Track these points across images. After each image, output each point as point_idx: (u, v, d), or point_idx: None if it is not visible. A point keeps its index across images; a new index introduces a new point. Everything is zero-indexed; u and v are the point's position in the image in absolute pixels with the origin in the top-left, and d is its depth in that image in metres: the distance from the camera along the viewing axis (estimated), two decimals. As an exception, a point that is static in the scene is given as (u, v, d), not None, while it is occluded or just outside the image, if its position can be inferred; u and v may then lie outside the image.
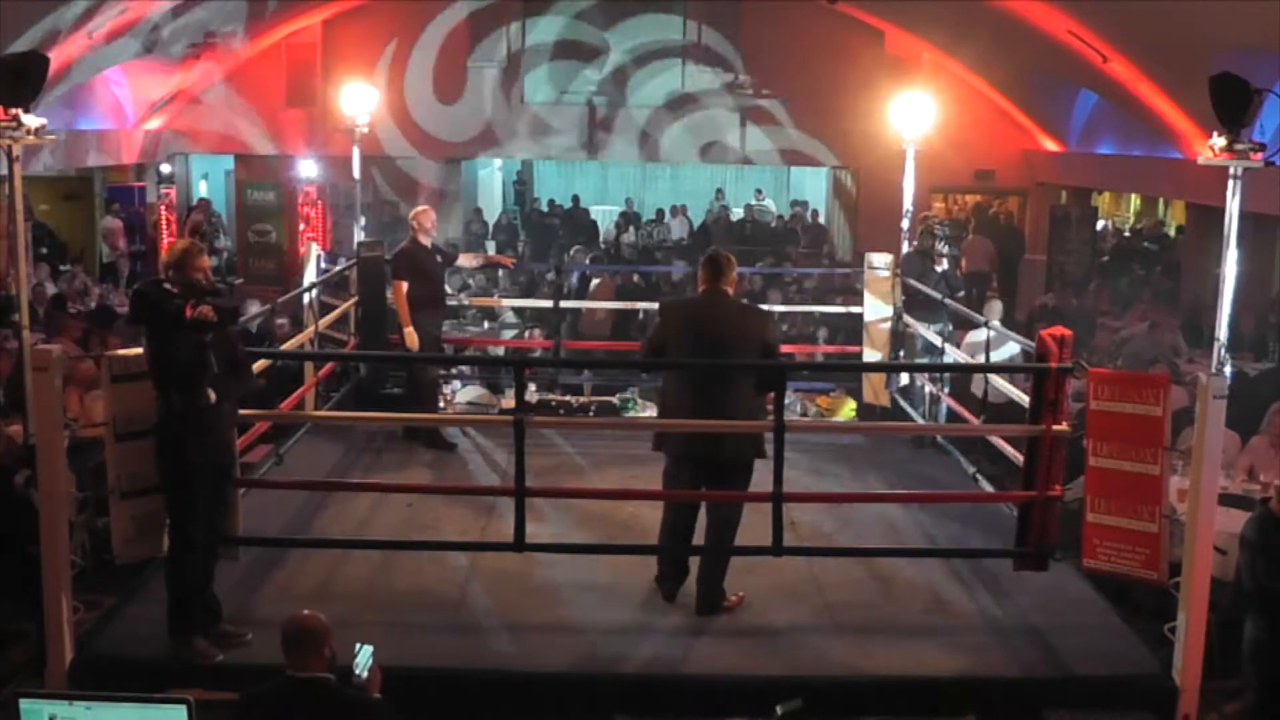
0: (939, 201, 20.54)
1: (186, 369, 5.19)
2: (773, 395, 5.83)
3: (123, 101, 17.88)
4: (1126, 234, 21.88)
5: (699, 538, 6.11)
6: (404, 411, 8.89)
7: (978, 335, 9.58)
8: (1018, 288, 18.22)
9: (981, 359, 8.89)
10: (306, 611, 4.41)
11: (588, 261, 16.70)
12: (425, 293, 8.67)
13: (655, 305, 12.36)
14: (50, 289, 13.99)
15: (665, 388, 6.30)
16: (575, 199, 23.27)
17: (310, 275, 9.35)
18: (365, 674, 4.32)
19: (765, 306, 13.11)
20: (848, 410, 10.01)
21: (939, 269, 9.29)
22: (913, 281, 9.23)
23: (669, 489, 6.15)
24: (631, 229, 22.36)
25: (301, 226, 17.74)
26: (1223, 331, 6.18)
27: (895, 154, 10.21)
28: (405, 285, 8.55)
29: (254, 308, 10.14)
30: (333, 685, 4.24)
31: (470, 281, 14.56)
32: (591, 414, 9.97)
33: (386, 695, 4.34)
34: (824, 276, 15.62)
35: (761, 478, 5.99)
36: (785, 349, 11.64)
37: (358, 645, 4.36)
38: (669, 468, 6.14)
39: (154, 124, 19.16)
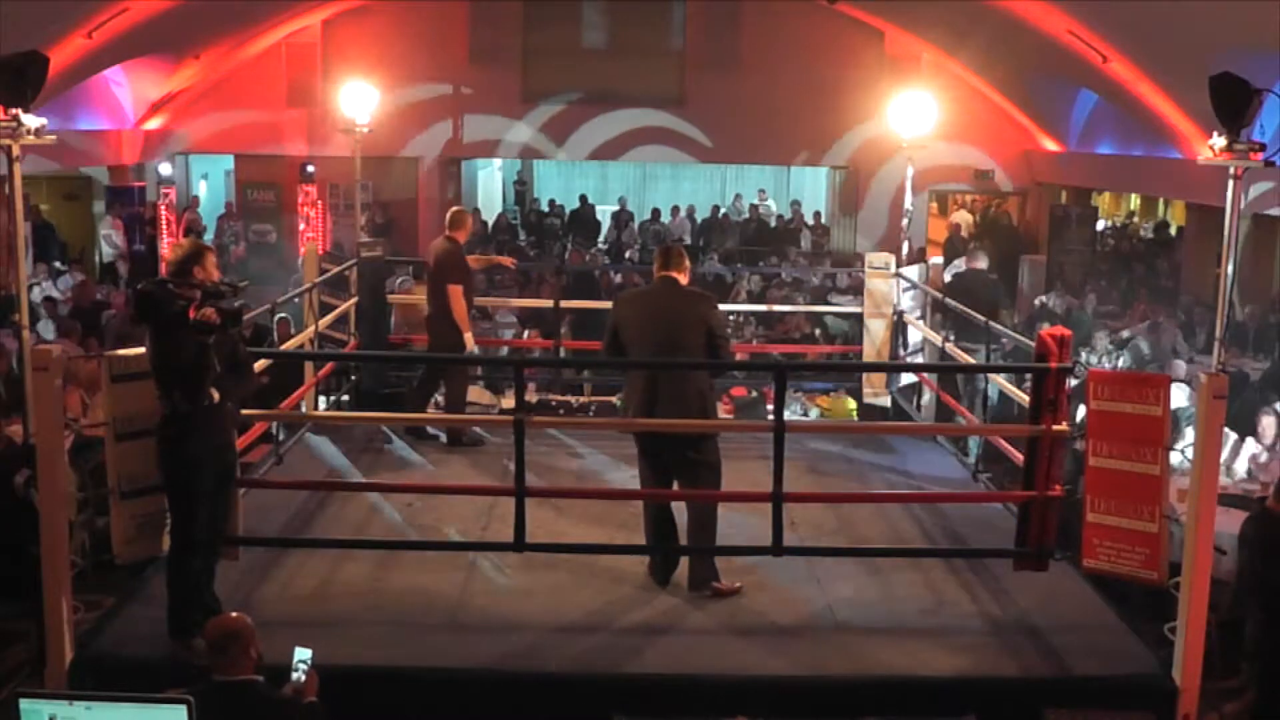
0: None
1: (189, 369, 5.18)
2: (772, 393, 5.92)
3: (123, 101, 17.88)
4: (1119, 225, 21.87)
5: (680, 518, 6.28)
6: (403, 411, 8.89)
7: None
8: (1018, 288, 18.21)
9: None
10: (233, 614, 4.43)
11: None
12: (466, 294, 8.51)
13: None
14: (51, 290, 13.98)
15: (627, 376, 6.45)
16: (583, 198, 23.20)
17: (310, 275, 9.35)
18: (303, 677, 4.28)
19: (765, 306, 13.21)
20: (848, 410, 10.00)
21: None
22: (957, 304, 8.86)
23: (642, 478, 6.31)
24: (628, 228, 22.36)
25: (302, 226, 17.75)
26: (1221, 330, 6.18)
27: (895, 154, 10.21)
28: (460, 288, 8.31)
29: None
30: (259, 687, 4.20)
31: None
32: (591, 414, 9.97)
33: (386, 696, 4.33)
34: (824, 276, 15.61)
35: (762, 478, 6.00)
36: (786, 349, 11.74)
37: (296, 648, 4.33)
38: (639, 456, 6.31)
39: (154, 124, 19.16)
